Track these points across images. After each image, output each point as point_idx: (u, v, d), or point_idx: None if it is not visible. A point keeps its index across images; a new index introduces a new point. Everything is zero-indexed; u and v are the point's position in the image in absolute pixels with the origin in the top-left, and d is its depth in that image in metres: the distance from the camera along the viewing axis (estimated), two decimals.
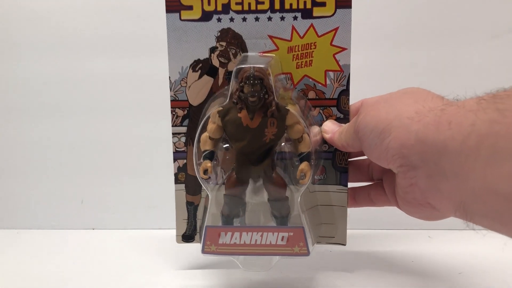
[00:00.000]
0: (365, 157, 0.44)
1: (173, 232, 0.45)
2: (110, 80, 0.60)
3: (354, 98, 0.41)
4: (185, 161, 0.43)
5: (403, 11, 0.56)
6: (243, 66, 0.38)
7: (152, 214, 0.60)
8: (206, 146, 0.39)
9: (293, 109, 0.38)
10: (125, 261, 0.49)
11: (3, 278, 0.45)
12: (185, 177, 0.43)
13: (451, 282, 0.41)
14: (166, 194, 0.57)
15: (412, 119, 0.30)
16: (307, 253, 0.38)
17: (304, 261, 0.47)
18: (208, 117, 0.39)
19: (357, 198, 0.43)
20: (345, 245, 0.42)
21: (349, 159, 0.42)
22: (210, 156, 0.39)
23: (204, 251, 0.39)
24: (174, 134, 0.43)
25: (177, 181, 0.43)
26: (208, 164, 0.38)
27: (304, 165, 0.38)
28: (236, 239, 0.38)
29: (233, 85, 0.39)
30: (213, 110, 0.39)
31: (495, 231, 0.26)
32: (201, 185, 0.42)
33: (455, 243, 0.52)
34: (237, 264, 0.40)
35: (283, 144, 0.40)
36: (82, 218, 0.61)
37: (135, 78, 0.59)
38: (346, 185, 0.41)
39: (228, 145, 0.40)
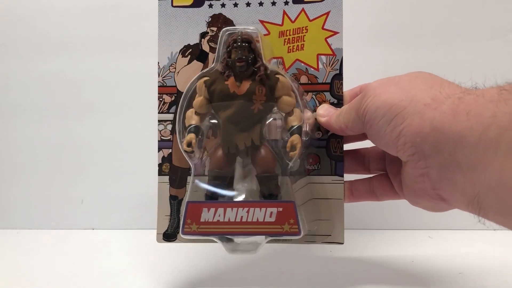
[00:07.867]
0: (360, 146, 0.41)
1: None
2: (111, 81, 0.60)
3: (348, 85, 0.40)
4: (170, 150, 0.41)
5: (400, 11, 0.56)
6: (230, 29, 0.36)
7: (152, 214, 0.60)
8: (192, 121, 0.37)
9: (284, 79, 0.36)
10: (125, 261, 0.49)
11: (3, 278, 0.45)
12: (169, 168, 0.41)
13: (451, 282, 0.41)
14: None
15: (429, 106, 0.28)
16: (298, 233, 0.34)
17: (303, 261, 0.47)
18: (193, 92, 0.38)
19: (356, 191, 0.40)
20: (342, 243, 0.38)
21: (344, 149, 0.39)
22: (196, 130, 0.37)
23: (184, 231, 0.35)
24: (160, 121, 0.41)
25: (160, 172, 0.41)
26: (192, 136, 0.36)
27: (294, 137, 0.36)
28: (219, 216, 0.35)
29: (220, 51, 0.37)
30: (199, 81, 0.37)
31: (508, 228, 0.26)
32: (186, 178, 0.40)
33: (455, 243, 0.52)
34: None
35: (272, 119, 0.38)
36: (82, 218, 0.61)
37: (136, 79, 0.59)
38: (342, 175, 0.39)
39: (215, 120, 0.38)
